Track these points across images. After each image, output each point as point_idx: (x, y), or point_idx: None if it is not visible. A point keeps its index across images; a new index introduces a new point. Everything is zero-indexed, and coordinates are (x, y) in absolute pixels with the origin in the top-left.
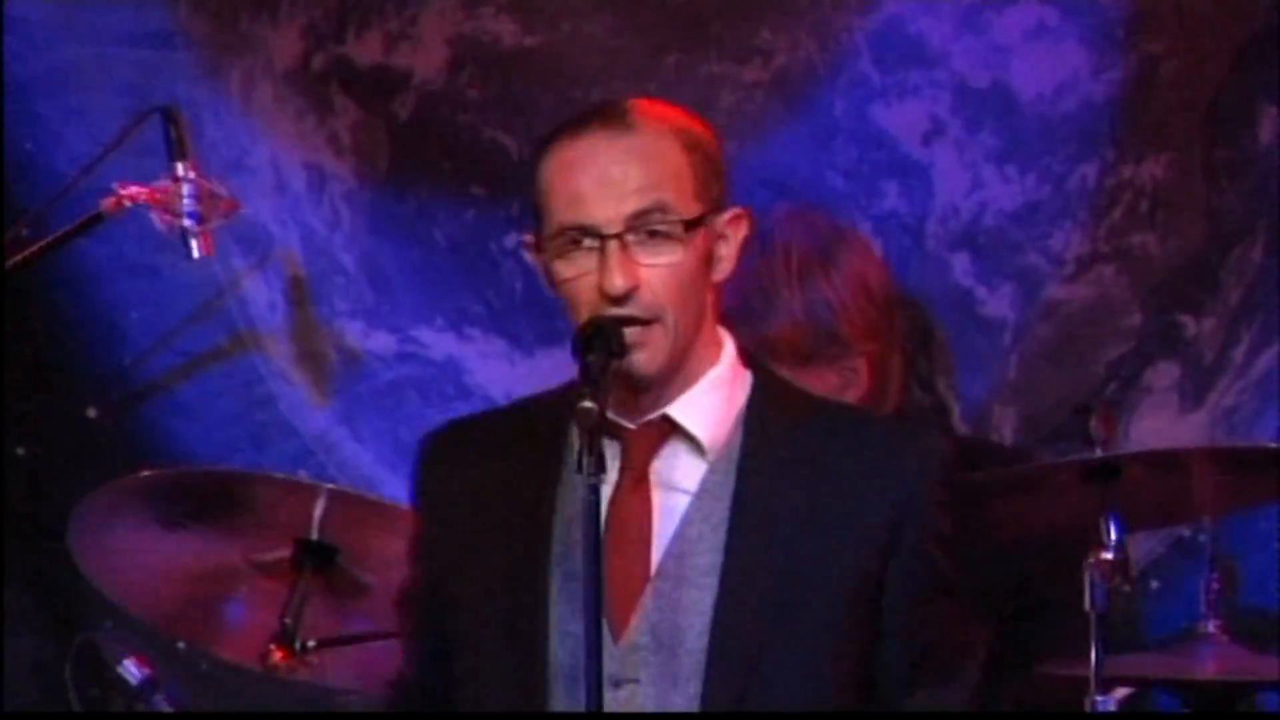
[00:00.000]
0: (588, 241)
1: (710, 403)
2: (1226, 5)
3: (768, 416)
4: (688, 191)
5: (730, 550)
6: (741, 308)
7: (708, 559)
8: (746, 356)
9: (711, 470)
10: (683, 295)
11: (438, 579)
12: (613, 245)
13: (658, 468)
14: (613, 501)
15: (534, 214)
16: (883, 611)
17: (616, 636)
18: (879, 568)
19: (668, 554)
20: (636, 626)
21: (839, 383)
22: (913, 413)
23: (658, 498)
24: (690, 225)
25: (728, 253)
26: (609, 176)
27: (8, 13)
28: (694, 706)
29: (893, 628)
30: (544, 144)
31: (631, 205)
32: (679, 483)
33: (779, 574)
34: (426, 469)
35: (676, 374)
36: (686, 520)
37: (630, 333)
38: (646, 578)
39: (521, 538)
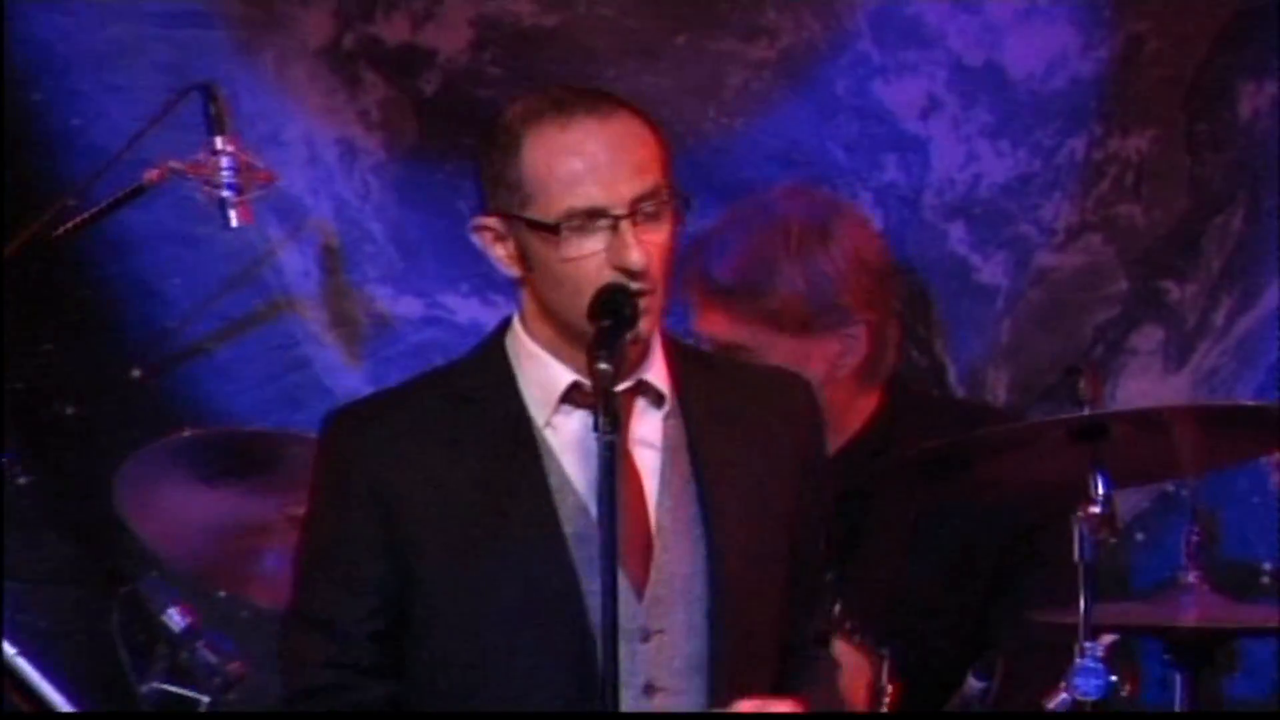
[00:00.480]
0: (600, 223)
1: (660, 363)
2: None
3: (684, 372)
4: (665, 172)
5: (703, 500)
6: (744, 281)
7: (691, 509)
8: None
9: (666, 424)
10: (668, 267)
11: (407, 566)
12: (625, 225)
13: (633, 427)
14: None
15: (507, 197)
16: (803, 524)
17: (639, 592)
18: (799, 490)
19: (660, 508)
20: (654, 580)
21: (840, 349)
22: (910, 376)
23: (639, 455)
24: (666, 221)
25: (677, 226)
26: (609, 160)
27: None
28: (709, 651)
29: (808, 536)
30: (516, 127)
31: (635, 188)
32: (649, 439)
33: (745, 514)
34: (359, 456)
35: (645, 345)
36: (664, 475)
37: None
38: (649, 533)
39: (516, 502)
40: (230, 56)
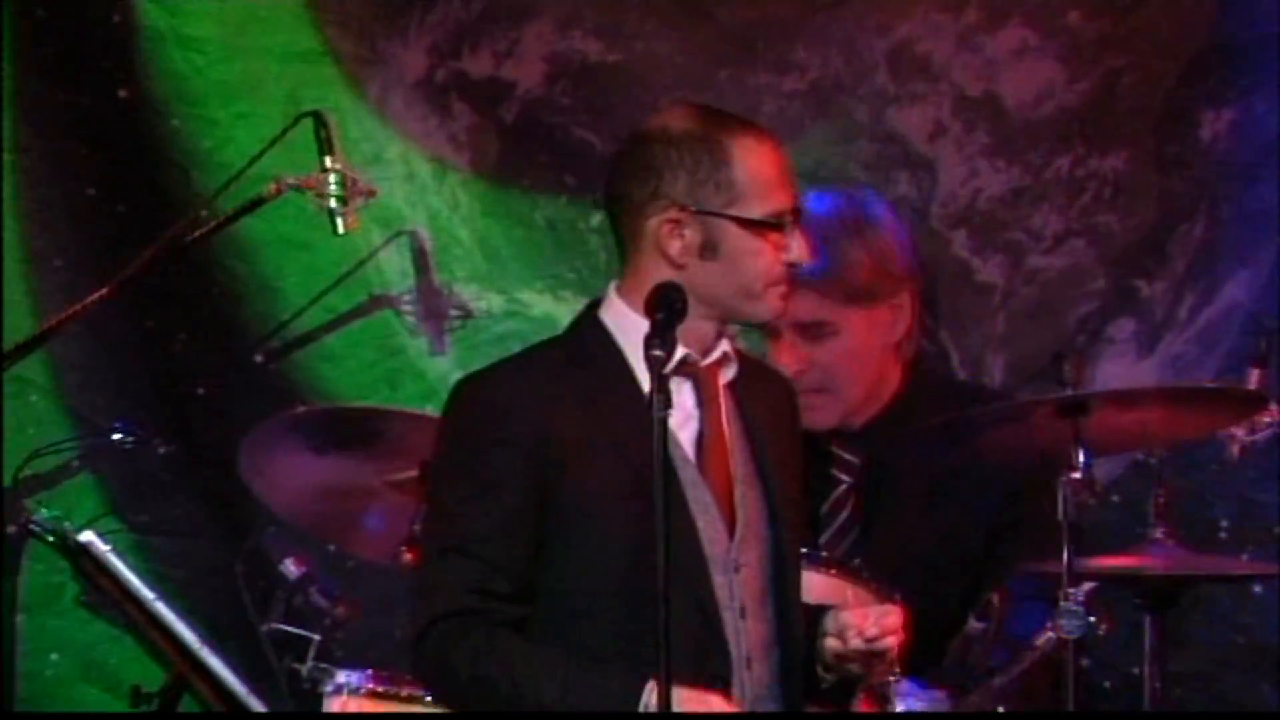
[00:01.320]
0: (782, 221)
1: (730, 342)
2: (1173, 29)
3: (747, 374)
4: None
5: (755, 456)
6: (823, 265)
7: (751, 464)
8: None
9: (726, 392)
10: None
11: (551, 502)
12: (792, 226)
13: (720, 392)
14: (703, 423)
15: (713, 194)
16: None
17: (730, 530)
18: (798, 453)
19: (736, 461)
20: (740, 520)
21: (890, 319)
22: (922, 360)
23: (719, 417)
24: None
25: None
26: (788, 172)
27: (187, 33)
28: (774, 579)
29: (800, 489)
30: (729, 140)
31: (796, 198)
32: (725, 404)
33: (781, 467)
34: (514, 406)
35: (709, 348)
36: (733, 434)
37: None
38: (731, 481)
39: (642, 454)
40: (338, 88)
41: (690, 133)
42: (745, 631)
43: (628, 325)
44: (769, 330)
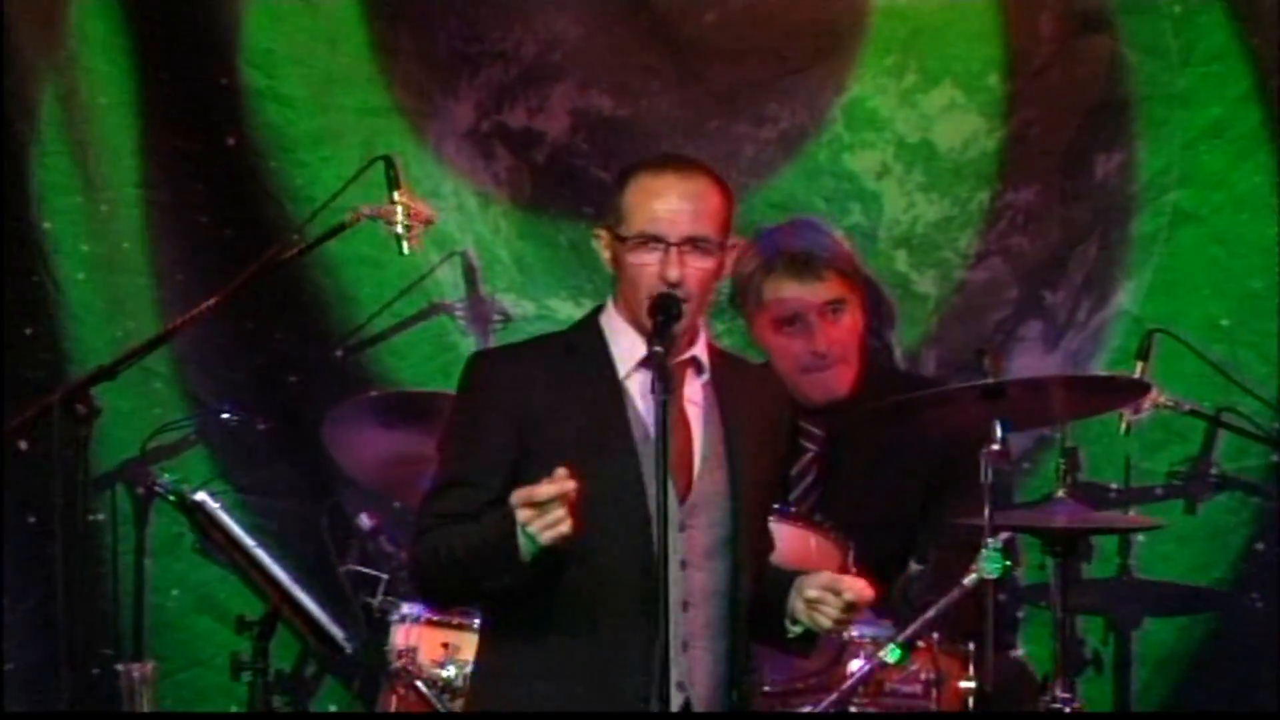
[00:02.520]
0: (654, 245)
1: (704, 346)
2: (1073, 88)
3: (716, 361)
4: (719, 225)
5: (728, 442)
6: (831, 250)
7: (720, 448)
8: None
9: (705, 388)
10: (705, 288)
11: (525, 451)
12: (673, 251)
13: (686, 387)
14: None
15: (613, 217)
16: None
17: (682, 499)
18: (781, 442)
19: (701, 444)
20: (695, 492)
21: (853, 321)
22: (871, 355)
23: (688, 407)
24: (717, 248)
25: (727, 264)
26: (676, 206)
27: (282, 91)
28: (723, 543)
29: (781, 472)
30: (630, 173)
31: (688, 230)
32: (694, 397)
33: (753, 454)
34: (498, 378)
35: (694, 332)
36: (704, 421)
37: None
38: (692, 461)
39: (606, 426)
40: (403, 137)
41: (621, 171)
42: (684, 580)
43: (615, 324)
44: (792, 315)
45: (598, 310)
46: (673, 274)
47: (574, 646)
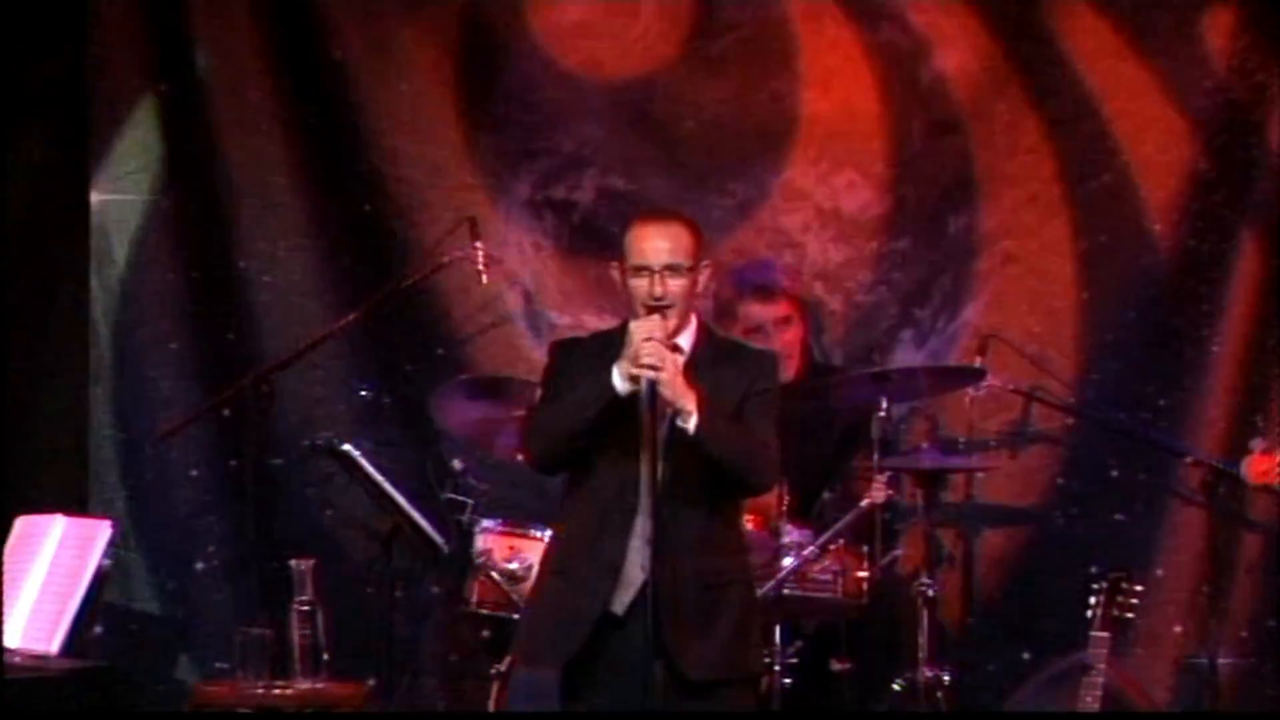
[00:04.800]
0: (644, 272)
1: (687, 338)
2: (937, 168)
3: (698, 343)
4: (689, 254)
5: (701, 403)
6: (783, 281)
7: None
8: (703, 320)
9: (687, 366)
10: (683, 297)
11: (566, 386)
12: (656, 275)
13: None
14: (655, 383)
15: (620, 255)
16: (747, 416)
17: (653, 436)
18: (746, 397)
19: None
20: (675, 463)
21: (801, 331)
22: (811, 350)
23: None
24: (688, 270)
25: (702, 280)
26: (655, 244)
27: (401, 174)
28: (702, 499)
29: (751, 413)
30: (629, 224)
31: (666, 260)
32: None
33: (718, 417)
34: (563, 349)
35: (680, 328)
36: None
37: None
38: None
39: (614, 397)
40: (483, 203)
41: (625, 223)
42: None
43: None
44: (758, 325)
45: (626, 321)
46: (656, 291)
47: (571, 542)
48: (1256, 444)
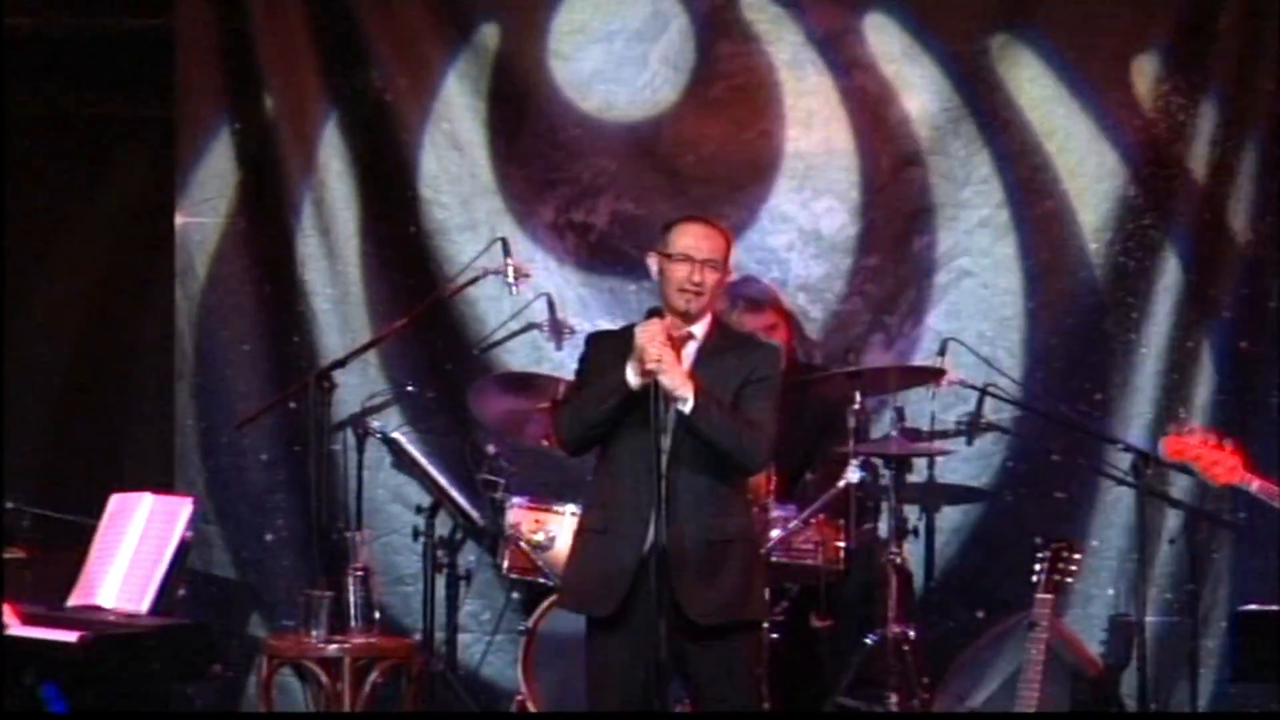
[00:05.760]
0: (685, 261)
1: (702, 327)
2: (901, 199)
3: (710, 333)
4: (724, 254)
5: (697, 391)
6: (770, 296)
7: (694, 385)
8: (717, 314)
9: (695, 352)
10: (712, 291)
11: (598, 374)
12: (696, 265)
13: (686, 350)
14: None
15: (662, 245)
16: (744, 400)
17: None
18: (745, 382)
19: (694, 387)
20: (678, 441)
21: (787, 333)
22: (795, 352)
23: (685, 359)
24: (720, 267)
25: (726, 278)
26: (698, 240)
27: (442, 200)
28: (686, 444)
29: (749, 397)
30: (676, 221)
31: (705, 253)
32: (687, 355)
33: (713, 387)
34: (597, 340)
35: (698, 318)
36: (693, 374)
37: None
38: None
39: (628, 391)
40: (513, 224)
41: (669, 221)
42: (666, 461)
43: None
44: (749, 332)
45: (657, 307)
46: (695, 278)
47: (605, 505)
48: (1172, 427)
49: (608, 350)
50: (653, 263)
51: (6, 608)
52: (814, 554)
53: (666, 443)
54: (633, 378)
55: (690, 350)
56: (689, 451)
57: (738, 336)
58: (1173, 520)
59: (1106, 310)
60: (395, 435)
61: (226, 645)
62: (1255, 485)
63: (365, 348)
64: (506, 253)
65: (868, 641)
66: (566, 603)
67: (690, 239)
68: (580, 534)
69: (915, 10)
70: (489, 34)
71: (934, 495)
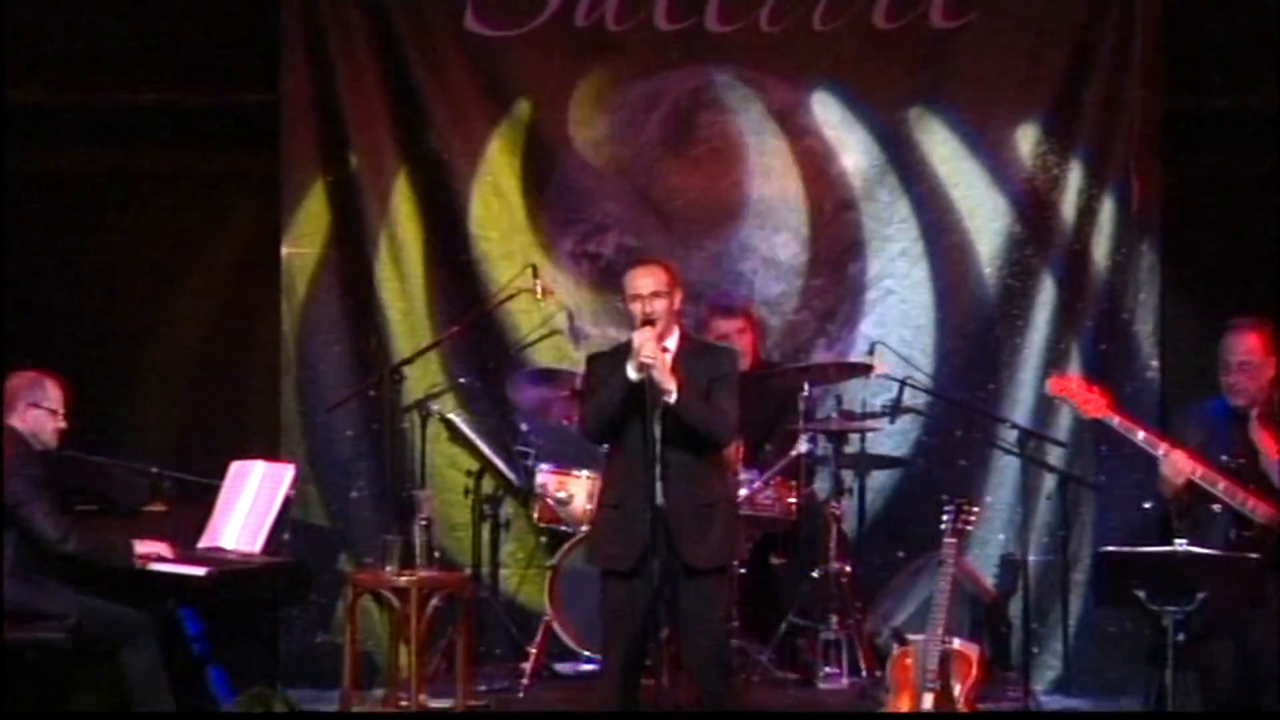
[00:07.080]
0: (637, 299)
1: (673, 341)
2: (840, 234)
3: (681, 345)
4: (665, 284)
5: (680, 386)
6: (741, 303)
7: (672, 384)
8: (684, 328)
9: (673, 360)
10: (666, 314)
11: (600, 383)
12: (645, 299)
13: (663, 358)
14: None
15: (623, 291)
16: (713, 393)
17: (655, 404)
18: (714, 381)
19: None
20: (667, 427)
21: (755, 337)
22: (759, 351)
23: (664, 370)
24: (666, 294)
25: (677, 300)
26: (642, 280)
27: (488, 235)
28: (674, 431)
29: (717, 394)
30: (626, 270)
31: (649, 288)
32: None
33: (689, 385)
34: (595, 359)
35: (666, 334)
36: (674, 373)
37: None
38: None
39: (630, 384)
40: (541, 255)
41: (626, 268)
42: (660, 443)
43: (635, 336)
44: (724, 334)
45: (645, 323)
46: (645, 309)
47: (617, 485)
48: (1055, 371)
49: (603, 365)
50: (621, 305)
51: (165, 545)
52: (772, 508)
53: (659, 430)
54: (632, 373)
55: (666, 360)
56: (676, 434)
57: (703, 345)
58: (1049, 482)
59: (997, 320)
60: (450, 416)
61: (321, 578)
62: (1116, 420)
63: (427, 349)
64: (536, 276)
65: (814, 575)
66: (599, 561)
67: (635, 280)
68: (600, 508)
69: (851, 88)
70: (523, 107)
71: (865, 462)
